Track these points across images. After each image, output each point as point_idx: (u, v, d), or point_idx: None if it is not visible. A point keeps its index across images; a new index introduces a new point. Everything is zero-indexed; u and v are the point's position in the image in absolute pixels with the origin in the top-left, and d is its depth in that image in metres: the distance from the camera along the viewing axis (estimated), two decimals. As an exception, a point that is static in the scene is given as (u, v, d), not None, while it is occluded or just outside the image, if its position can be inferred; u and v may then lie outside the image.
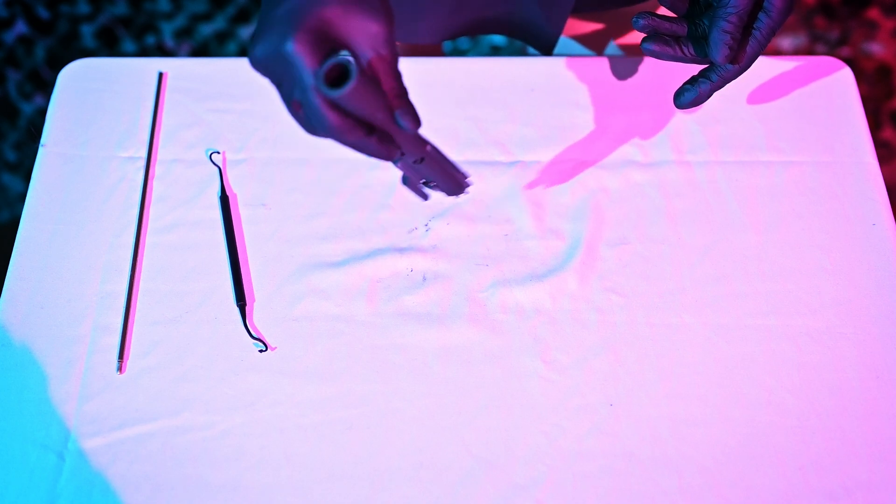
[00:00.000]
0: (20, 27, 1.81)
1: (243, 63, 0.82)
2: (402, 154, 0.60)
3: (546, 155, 0.80)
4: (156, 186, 0.79)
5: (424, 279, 0.74)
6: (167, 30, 1.81)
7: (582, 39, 0.93)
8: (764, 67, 0.84)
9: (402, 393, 0.69)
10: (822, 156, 0.80)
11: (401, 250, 0.75)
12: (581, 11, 0.88)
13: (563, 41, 0.94)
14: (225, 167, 0.79)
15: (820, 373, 0.70)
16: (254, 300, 0.73)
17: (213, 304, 0.73)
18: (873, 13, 1.82)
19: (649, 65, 0.85)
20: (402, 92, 0.57)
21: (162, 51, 1.79)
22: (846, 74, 0.84)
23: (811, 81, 0.83)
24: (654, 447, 0.67)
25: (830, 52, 1.78)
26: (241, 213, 0.77)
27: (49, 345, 0.71)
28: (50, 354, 0.70)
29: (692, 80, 0.68)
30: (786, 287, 0.73)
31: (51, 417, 0.68)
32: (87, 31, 1.80)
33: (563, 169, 0.79)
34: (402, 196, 0.77)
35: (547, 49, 0.88)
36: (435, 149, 0.62)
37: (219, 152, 0.80)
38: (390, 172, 0.79)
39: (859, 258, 0.74)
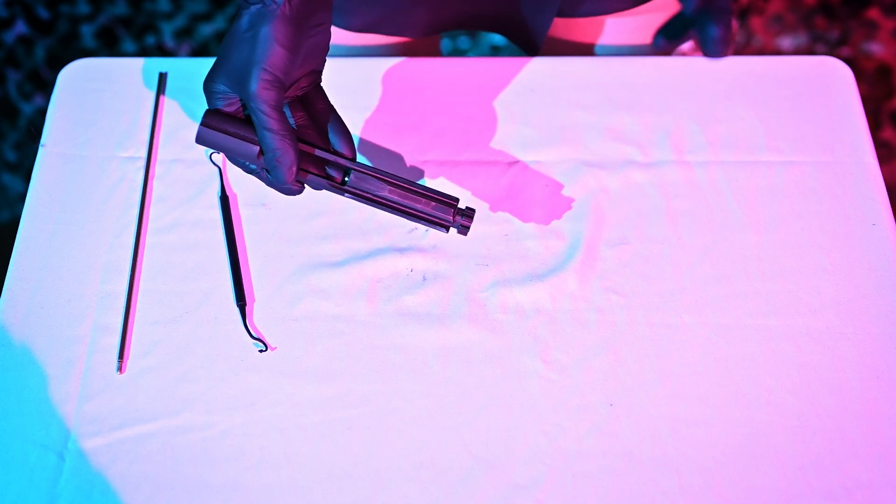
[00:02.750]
0: (20, 27, 1.81)
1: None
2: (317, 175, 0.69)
3: (546, 155, 0.80)
4: (156, 186, 0.79)
5: (424, 279, 0.74)
6: (167, 30, 1.81)
7: (580, 40, 0.93)
8: (764, 67, 0.84)
9: (402, 393, 0.69)
10: (822, 156, 0.80)
11: (401, 250, 0.75)
12: (577, 16, 0.89)
13: (563, 42, 0.94)
14: (225, 167, 0.79)
15: (820, 373, 0.70)
16: (254, 300, 0.73)
17: (213, 304, 0.73)
18: (873, 13, 1.82)
19: (649, 65, 0.85)
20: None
21: (162, 51, 1.79)
22: (846, 74, 0.84)
23: (811, 81, 0.83)
24: (654, 447, 0.67)
25: (830, 52, 1.78)
26: (241, 213, 0.77)
27: (49, 345, 0.71)
28: (50, 354, 0.70)
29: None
30: (786, 287, 0.73)
31: (51, 417, 0.68)
32: (87, 31, 1.80)
33: (563, 169, 0.79)
34: (402, 196, 0.77)
35: (532, 50, 0.88)
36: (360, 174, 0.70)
37: (219, 152, 0.80)
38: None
39: (859, 258, 0.74)
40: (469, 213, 0.70)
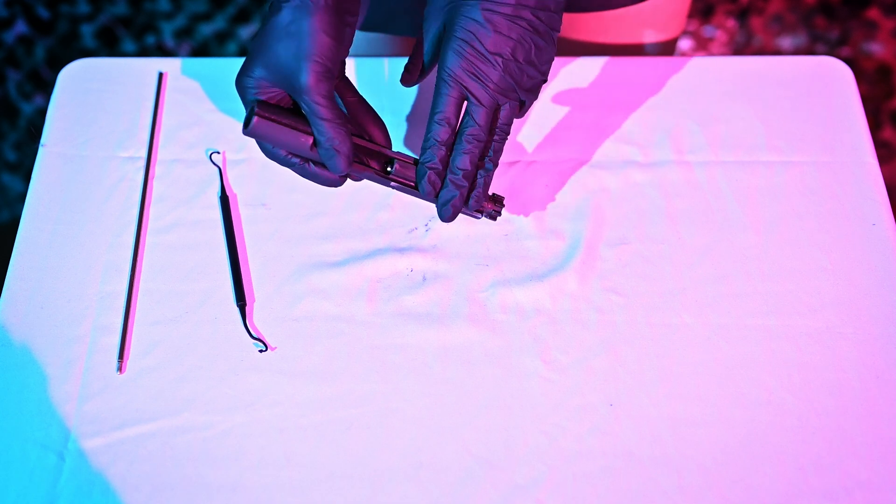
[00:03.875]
0: (20, 27, 1.81)
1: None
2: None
3: (546, 155, 0.80)
4: (156, 186, 0.79)
5: (424, 279, 0.74)
6: (167, 30, 1.81)
7: (581, 39, 0.93)
8: (764, 67, 0.84)
9: (402, 393, 0.69)
10: (822, 156, 0.80)
11: (401, 250, 0.75)
12: (581, 11, 0.89)
13: (563, 41, 0.94)
14: (225, 167, 0.79)
15: (820, 373, 0.70)
16: (254, 300, 0.73)
17: (213, 304, 0.73)
18: (873, 13, 1.82)
19: (649, 65, 0.85)
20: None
21: (162, 51, 1.79)
22: (846, 74, 0.84)
23: (811, 81, 0.83)
24: (654, 447, 0.67)
25: (830, 52, 1.78)
26: (241, 213, 0.77)
27: (49, 345, 0.71)
28: (50, 354, 0.70)
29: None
30: (786, 287, 0.73)
31: (51, 417, 0.68)
32: (87, 31, 1.80)
33: (563, 169, 0.79)
34: (402, 196, 0.77)
35: None
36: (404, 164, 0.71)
37: (219, 152, 0.80)
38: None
39: (859, 258, 0.74)
40: (500, 200, 0.73)
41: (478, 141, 0.68)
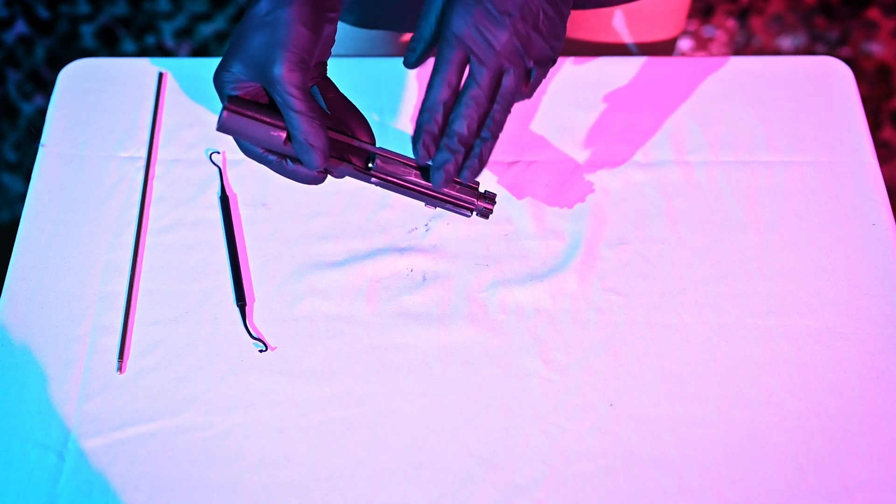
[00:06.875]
0: (20, 27, 1.81)
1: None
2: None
3: (546, 155, 0.80)
4: (156, 186, 0.79)
5: (424, 279, 0.74)
6: (167, 30, 1.81)
7: (581, 38, 0.94)
8: (764, 67, 0.84)
9: (402, 393, 0.69)
10: (822, 156, 0.80)
11: (401, 250, 0.75)
12: (580, 8, 0.89)
13: (566, 39, 0.93)
14: (225, 167, 0.79)
15: (820, 373, 0.70)
16: (254, 300, 0.73)
17: (213, 304, 0.73)
18: (873, 13, 1.82)
19: (649, 65, 0.85)
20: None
21: (162, 51, 1.79)
22: (846, 74, 0.84)
23: (811, 81, 0.83)
24: (654, 447, 0.67)
25: (830, 52, 1.78)
26: (241, 213, 0.77)
27: (49, 345, 0.71)
28: (50, 354, 0.70)
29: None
30: (786, 287, 0.73)
31: (51, 417, 0.68)
32: (87, 31, 1.81)
33: (563, 169, 0.79)
34: (401, 196, 0.77)
35: None
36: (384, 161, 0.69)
37: (219, 152, 0.80)
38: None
39: (859, 258, 0.74)
40: (491, 197, 0.70)
41: (478, 104, 0.64)
